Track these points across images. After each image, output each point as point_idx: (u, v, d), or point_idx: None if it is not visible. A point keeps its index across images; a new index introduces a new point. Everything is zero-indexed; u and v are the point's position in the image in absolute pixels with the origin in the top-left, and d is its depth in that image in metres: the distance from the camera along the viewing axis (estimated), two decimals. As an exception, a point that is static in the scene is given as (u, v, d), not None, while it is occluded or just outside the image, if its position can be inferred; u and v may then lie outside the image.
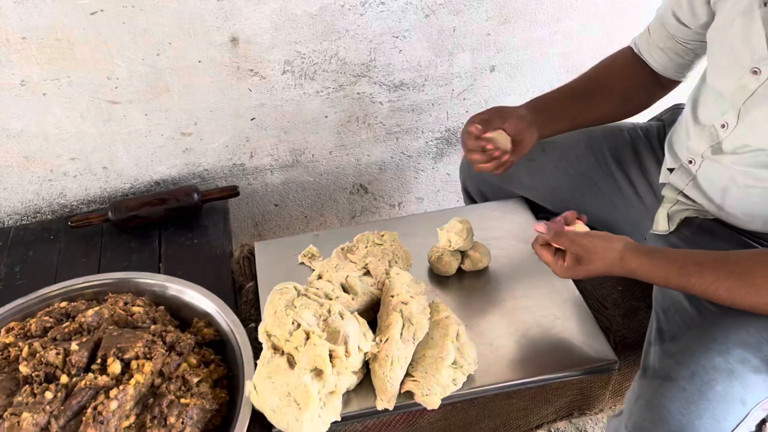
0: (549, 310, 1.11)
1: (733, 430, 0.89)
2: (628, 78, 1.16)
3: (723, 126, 0.95)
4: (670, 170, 1.09)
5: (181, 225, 1.38)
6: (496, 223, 1.28)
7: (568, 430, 1.55)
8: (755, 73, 0.88)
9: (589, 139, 1.25)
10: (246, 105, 1.38)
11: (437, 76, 1.44)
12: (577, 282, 1.16)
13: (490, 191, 1.36)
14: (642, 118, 1.23)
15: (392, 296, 1.05)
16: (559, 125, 1.18)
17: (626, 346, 1.09)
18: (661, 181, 1.12)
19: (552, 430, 1.52)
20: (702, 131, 1.00)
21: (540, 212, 1.32)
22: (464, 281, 1.18)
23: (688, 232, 1.08)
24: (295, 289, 1.05)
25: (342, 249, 1.18)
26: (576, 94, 1.18)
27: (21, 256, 1.34)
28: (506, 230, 1.26)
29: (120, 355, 0.99)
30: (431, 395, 0.96)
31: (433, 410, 1.00)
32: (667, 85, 1.17)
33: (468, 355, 1.00)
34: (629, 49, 1.17)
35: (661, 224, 1.10)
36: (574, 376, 1.04)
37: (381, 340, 1.00)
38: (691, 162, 1.03)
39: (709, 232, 1.06)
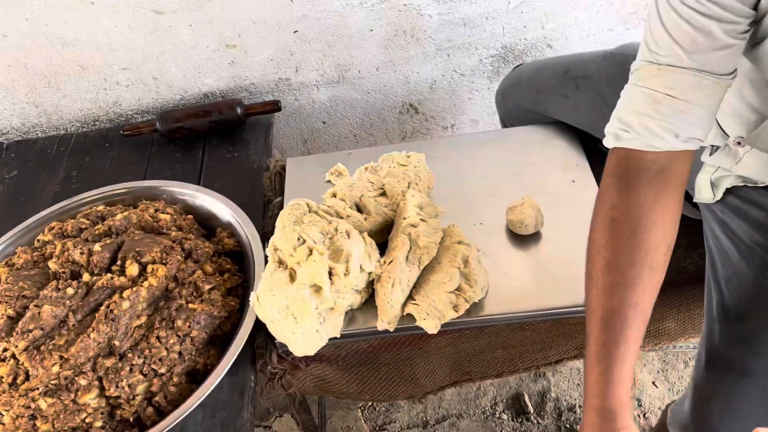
0: (574, 241, 1.04)
1: None
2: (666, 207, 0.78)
3: None
4: (713, 147, 0.91)
5: (224, 138, 1.40)
6: (537, 147, 1.21)
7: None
8: None
9: (625, 71, 1.10)
10: (288, 16, 1.35)
11: (491, -13, 1.34)
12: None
13: (525, 119, 1.27)
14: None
15: (403, 218, 1.02)
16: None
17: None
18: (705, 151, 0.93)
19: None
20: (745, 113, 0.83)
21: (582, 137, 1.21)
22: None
23: (738, 202, 0.90)
24: (307, 205, 1.05)
25: (366, 168, 1.15)
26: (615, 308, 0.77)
27: (79, 161, 1.41)
28: (546, 155, 1.19)
29: (138, 258, 1.03)
30: (429, 319, 0.93)
31: (437, 333, 0.98)
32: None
33: (475, 283, 0.96)
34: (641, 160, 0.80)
35: (705, 192, 0.93)
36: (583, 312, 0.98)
37: (385, 262, 0.98)
38: (739, 143, 0.86)
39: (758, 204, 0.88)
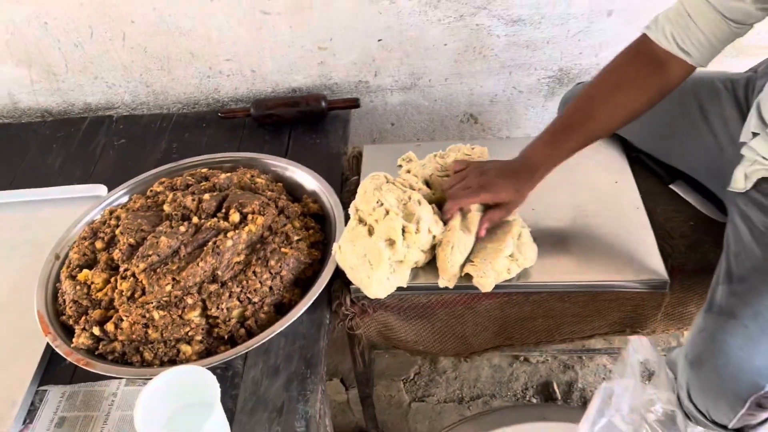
0: (615, 229, 1.20)
1: None
2: (645, 77, 1.11)
3: None
4: (754, 134, 1.08)
5: (308, 127, 1.60)
6: (587, 151, 1.37)
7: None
8: None
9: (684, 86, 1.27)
10: (375, 26, 1.55)
11: (554, 15, 1.53)
12: (649, 212, 1.23)
13: None
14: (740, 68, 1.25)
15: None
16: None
17: (684, 272, 1.16)
18: (742, 139, 1.11)
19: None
20: None
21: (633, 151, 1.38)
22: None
23: (760, 198, 1.07)
24: (386, 177, 1.23)
25: (435, 155, 1.33)
26: (588, 115, 1.16)
27: (178, 136, 1.62)
28: (595, 159, 1.34)
29: (240, 208, 1.22)
30: (485, 278, 1.10)
31: (488, 296, 1.15)
32: (683, 76, 1.11)
33: (526, 253, 1.13)
34: (642, 44, 1.12)
35: (739, 182, 1.10)
36: (624, 287, 1.13)
37: (447, 230, 1.15)
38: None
39: None
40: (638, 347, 1.05)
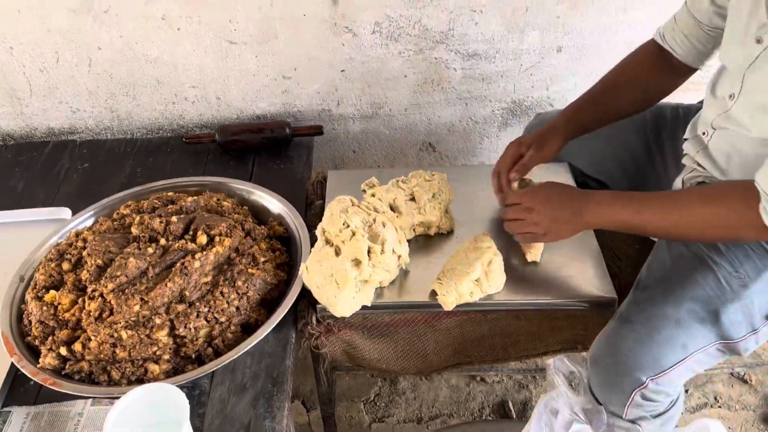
0: (567, 252, 1.27)
1: (671, 367, 1.05)
2: (649, 70, 1.28)
3: (731, 96, 1.07)
4: (686, 139, 1.22)
5: (272, 153, 1.64)
6: (542, 177, 1.44)
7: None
8: (759, 41, 0.99)
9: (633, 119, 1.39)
10: (338, 58, 1.61)
11: (508, 51, 1.62)
12: (597, 235, 1.31)
13: None
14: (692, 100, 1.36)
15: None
16: (586, 128, 1.33)
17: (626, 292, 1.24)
18: (683, 151, 1.24)
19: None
20: (715, 103, 1.13)
21: (581, 176, 1.47)
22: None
23: None
24: (351, 201, 1.28)
25: (397, 180, 1.39)
26: (601, 95, 1.32)
27: (143, 161, 1.64)
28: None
29: (207, 230, 1.25)
30: (447, 296, 1.15)
31: (448, 314, 1.20)
32: (684, 73, 1.28)
33: (493, 280, 1.19)
34: (650, 42, 1.30)
35: (677, 188, 1.24)
36: (576, 306, 1.20)
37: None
38: (704, 133, 1.16)
39: None
40: (559, 365, 1.14)
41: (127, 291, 1.15)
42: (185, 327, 1.13)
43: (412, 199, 1.33)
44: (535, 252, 1.23)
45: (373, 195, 1.32)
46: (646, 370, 1.05)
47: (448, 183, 1.38)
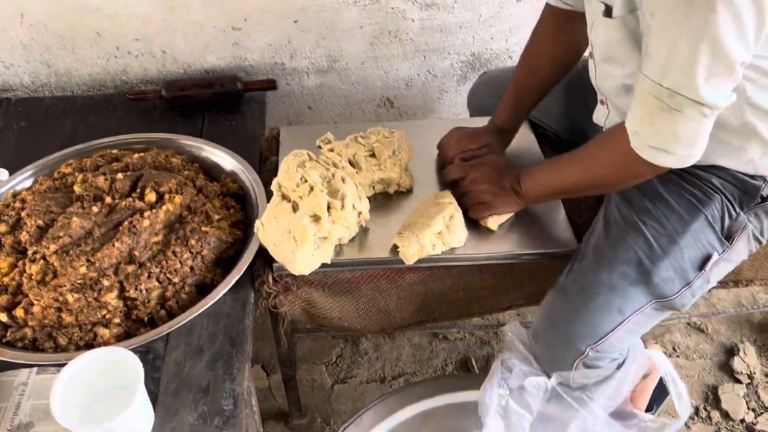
0: (530, 206, 1.25)
1: (608, 333, 1.07)
2: (555, 33, 1.24)
3: (590, 56, 1.10)
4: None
5: (223, 109, 1.57)
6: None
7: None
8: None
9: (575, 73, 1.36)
10: (291, 7, 1.54)
11: (466, 0, 1.57)
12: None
13: (489, 113, 1.49)
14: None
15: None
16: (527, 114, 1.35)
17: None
18: (594, 120, 1.23)
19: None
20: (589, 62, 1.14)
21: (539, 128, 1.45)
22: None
23: None
24: (308, 155, 1.22)
25: (356, 137, 1.33)
26: (527, 80, 1.29)
27: (84, 119, 1.55)
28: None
29: (156, 187, 1.18)
30: (409, 248, 1.12)
31: (411, 270, 1.17)
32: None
33: (454, 233, 1.15)
34: (545, 7, 1.25)
35: None
36: (537, 257, 1.18)
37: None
38: (602, 102, 1.16)
39: None
40: (516, 331, 1.19)
41: (71, 252, 1.08)
42: (136, 289, 1.07)
43: (372, 155, 1.28)
44: (492, 222, 1.21)
45: (331, 150, 1.27)
46: (584, 339, 1.07)
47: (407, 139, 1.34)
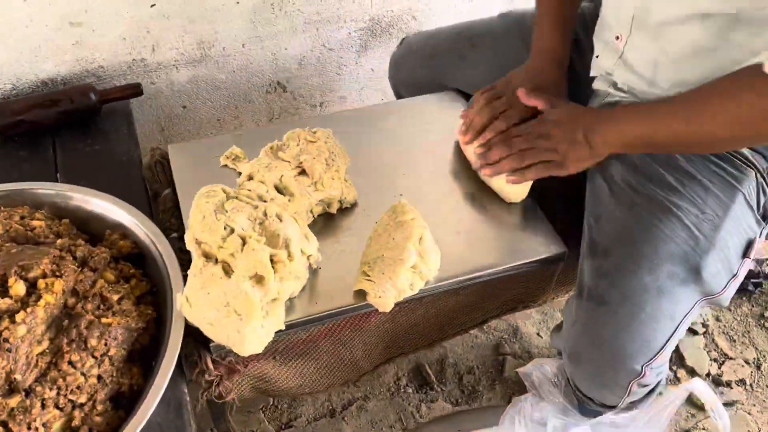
0: (493, 204, 1.06)
1: (664, 345, 0.91)
2: None
3: None
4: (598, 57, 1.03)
5: (77, 130, 1.21)
6: (434, 116, 1.21)
7: (500, 325, 1.55)
8: None
9: (521, 27, 1.16)
10: (144, -12, 1.20)
11: (359, -43, 1.31)
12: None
13: (419, 89, 1.28)
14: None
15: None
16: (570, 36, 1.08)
17: (571, 234, 1.06)
18: (591, 74, 1.05)
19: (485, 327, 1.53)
20: None
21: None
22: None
23: None
24: (224, 191, 0.94)
25: (271, 148, 1.06)
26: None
27: None
28: (445, 123, 1.19)
29: (23, 274, 0.85)
30: (385, 297, 0.89)
31: (377, 311, 0.94)
32: None
33: (429, 261, 0.93)
34: None
35: None
36: (524, 268, 1.00)
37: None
38: (618, 38, 0.97)
39: None
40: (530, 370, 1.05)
41: None
42: (29, 427, 0.77)
43: (302, 173, 1.02)
44: (521, 189, 1.01)
45: (250, 178, 0.99)
46: (638, 358, 0.90)
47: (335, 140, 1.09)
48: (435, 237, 0.97)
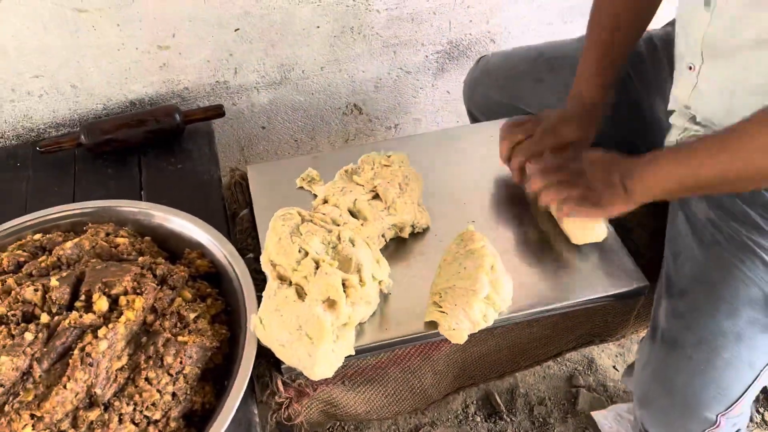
0: (572, 234, 1.03)
1: (743, 394, 0.86)
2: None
3: (706, 3, 0.83)
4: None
5: (162, 149, 1.26)
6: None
7: (574, 357, 1.50)
8: None
9: None
10: (229, 13, 1.24)
11: (439, -20, 1.31)
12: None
13: (494, 111, 1.26)
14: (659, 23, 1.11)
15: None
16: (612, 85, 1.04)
17: (653, 268, 1.02)
18: (669, 107, 1.01)
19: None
20: (695, 14, 0.87)
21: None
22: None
23: None
24: (299, 214, 0.95)
25: (346, 171, 1.07)
26: (601, 38, 1.01)
27: (-17, 185, 1.21)
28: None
29: (106, 290, 0.88)
30: (459, 330, 0.87)
31: (446, 342, 0.92)
32: None
33: (502, 290, 0.91)
34: None
35: None
36: (603, 301, 0.97)
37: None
38: (690, 68, 0.91)
39: None
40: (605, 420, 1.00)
41: (7, 408, 0.78)
42: (106, 442, 0.79)
43: (376, 197, 1.02)
44: (590, 232, 0.97)
45: (325, 201, 1.00)
46: (713, 407, 0.85)
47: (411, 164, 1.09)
48: (509, 266, 0.95)
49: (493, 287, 0.89)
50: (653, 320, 0.93)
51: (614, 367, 1.49)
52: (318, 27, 1.31)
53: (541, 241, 1.02)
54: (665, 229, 1.02)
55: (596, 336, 1.08)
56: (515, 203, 1.08)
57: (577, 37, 1.18)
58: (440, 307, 0.88)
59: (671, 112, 1.00)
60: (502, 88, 1.21)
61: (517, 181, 1.03)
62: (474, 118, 1.33)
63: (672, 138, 1.00)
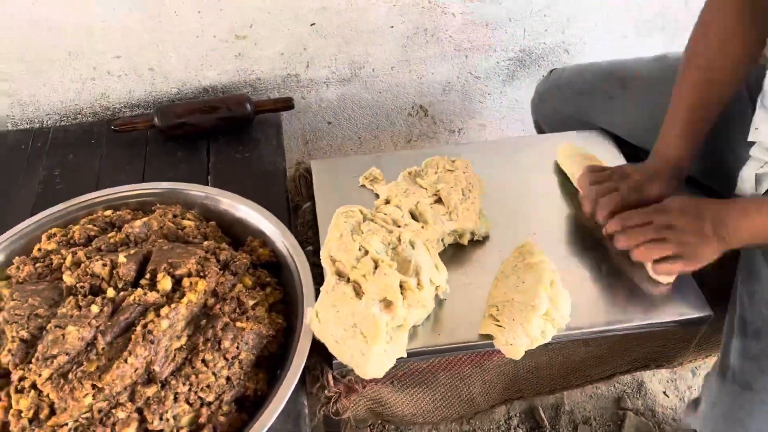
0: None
1: None
2: (739, 20, 0.93)
3: None
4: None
5: (231, 136, 1.28)
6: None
7: (624, 378, 1.47)
8: None
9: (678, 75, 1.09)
10: (306, 8, 1.25)
11: (517, -13, 1.30)
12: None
13: (562, 124, 1.24)
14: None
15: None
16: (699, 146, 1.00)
17: (718, 297, 0.99)
18: (749, 138, 0.96)
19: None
20: None
21: (622, 145, 1.19)
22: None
23: None
24: (361, 212, 0.96)
25: (410, 173, 1.07)
26: (693, 97, 0.97)
27: (61, 159, 1.26)
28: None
29: (171, 271, 0.91)
30: (516, 346, 0.86)
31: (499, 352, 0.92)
32: None
33: (561, 307, 0.89)
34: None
35: (747, 184, 0.96)
36: (663, 326, 0.94)
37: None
38: None
39: None
40: None
41: (70, 376, 0.81)
42: (161, 418, 0.81)
43: (438, 201, 1.02)
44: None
45: (387, 201, 1.00)
46: None
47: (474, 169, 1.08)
48: (568, 282, 0.93)
49: (552, 303, 0.88)
50: (722, 357, 0.90)
51: (664, 392, 1.45)
52: (392, 27, 1.31)
53: (601, 259, 1.00)
54: (731, 259, 0.99)
55: (653, 361, 1.06)
56: (576, 218, 1.06)
57: (653, 57, 1.15)
58: (497, 320, 0.88)
59: (752, 143, 0.96)
60: (572, 103, 1.19)
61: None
62: (540, 130, 1.32)
63: (750, 171, 0.96)
